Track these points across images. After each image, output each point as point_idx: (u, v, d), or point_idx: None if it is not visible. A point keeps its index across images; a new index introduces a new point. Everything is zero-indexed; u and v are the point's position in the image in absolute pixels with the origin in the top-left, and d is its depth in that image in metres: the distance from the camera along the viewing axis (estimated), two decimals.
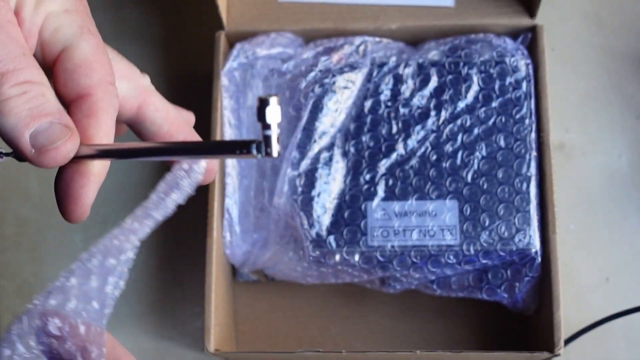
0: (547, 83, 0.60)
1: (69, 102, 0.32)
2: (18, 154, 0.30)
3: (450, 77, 0.61)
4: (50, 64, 0.32)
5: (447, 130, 0.60)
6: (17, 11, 0.31)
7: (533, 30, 0.62)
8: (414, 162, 0.60)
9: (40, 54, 0.32)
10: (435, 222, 0.59)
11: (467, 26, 0.62)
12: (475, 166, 0.59)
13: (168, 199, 0.31)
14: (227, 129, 0.61)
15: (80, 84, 0.32)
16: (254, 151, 0.27)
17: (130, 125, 0.38)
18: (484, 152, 0.59)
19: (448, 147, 0.60)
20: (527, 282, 0.58)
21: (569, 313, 0.63)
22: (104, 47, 0.33)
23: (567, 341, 0.60)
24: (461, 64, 0.61)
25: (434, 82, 0.61)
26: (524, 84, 0.60)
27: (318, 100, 0.60)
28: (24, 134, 0.29)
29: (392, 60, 0.62)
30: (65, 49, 0.32)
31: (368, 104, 0.61)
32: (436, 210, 0.59)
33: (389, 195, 0.59)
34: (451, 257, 0.58)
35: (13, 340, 0.29)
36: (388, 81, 0.61)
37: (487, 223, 0.58)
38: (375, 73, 0.62)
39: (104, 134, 0.32)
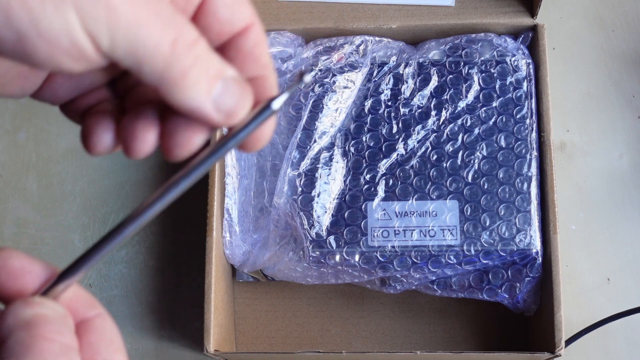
0: (548, 83, 0.60)
1: (229, 38, 0.30)
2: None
3: (450, 76, 0.61)
4: (195, 6, 0.29)
5: (447, 130, 0.60)
6: None
7: (534, 29, 0.62)
8: (414, 162, 0.60)
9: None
10: (436, 222, 0.59)
11: (467, 25, 0.62)
12: (476, 166, 0.59)
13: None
14: (227, 129, 0.61)
15: (244, 16, 0.30)
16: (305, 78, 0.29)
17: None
18: (484, 152, 0.59)
19: (448, 147, 0.60)
20: (527, 283, 0.58)
21: (570, 313, 0.63)
22: None
23: (568, 342, 0.60)
24: (462, 63, 0.61)
25: (434, 81, 0.61)
26: (525, 84, 0.60)
27: (318, 100, 0.60)
28: (206, 101, 0.27)
29: (393, 60, 0.62)
30: None
31: (368, 103, 0.61)
32: (436, 211, 0.59)
33: (389, 195, 0.59)
34: (452, 257, 0.58)
35: None
36: (388, 81, 0.61)
37: (487, 223, 0.58)
38: (375, 72, 0.61)
39: (269, 56, 0.30)
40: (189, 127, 0.29)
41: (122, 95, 0.32)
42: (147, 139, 0.29)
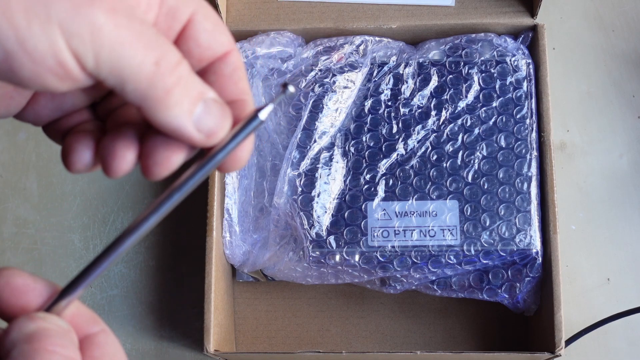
0: (548, 83, 0.60)
1: (209, 63, 0.31)
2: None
3: (450, 76, 0.61)
4: (177, 32, 0.30)
5: (447, 130, 0.60)
6: None
7: (534, 29, 0.62)
8: (414, 162, 0.60)
9: (164, 23, 0.30)
10: (436, 222, 0.59)
11: (467, 25, 0.62)
12: (476, 166, 0.59)
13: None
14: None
15: (223, 42, 0.31)
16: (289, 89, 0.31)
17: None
18: (484, 152, 0.59)
19: (448, 147, 0.60)
20: (527, 283, 0.58)
21: (570, 313, 0.63)
22: None
23: (568, 342, 0.60)
24: (462, 63, 0.61)
25: (434, 81, 0.61)
26: (525, 84, 0.60)
27: (318, 100, 0.60)
28: (189, 123, 0.28)
29: (393, 60, 0.62)
30: (195, 10, 0.30)
31: (368, 103, 0.61)
32: (437, 211, 0.59)
33: (389, 195, 0.59)
34: (452, 257, 0.58)
35: None
36: (388, 81, 0.61)
37: (487, 223, 0.58)
38: (375, 72, 0.61)
39: (247, 81, 0.31)
40: (169, 146, 0.29)
41: (102, 117, 0.33)
42: (126, 157, 0.29)
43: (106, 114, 0.32)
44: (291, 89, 0.31)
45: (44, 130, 0.33)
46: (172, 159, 0.29)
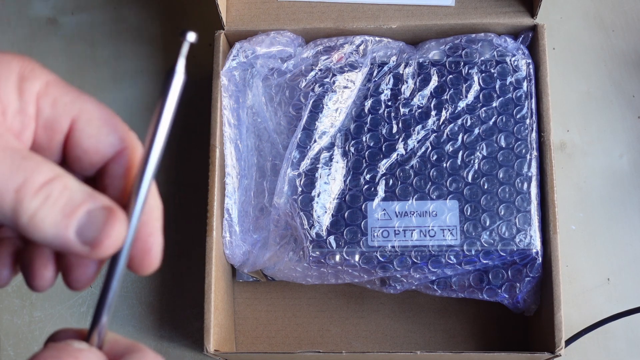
0: (548, 83, 0.60)
1: (102, 166, 0.30)
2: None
3: (450, 76, 0.61)
4: (60, 142, 0.30)
5: (447, 130, 0.60)
6: (3, 110, 0.28)
7: (534, 29, 0.62)
8: (414, 162, 0.60)
9: (44, 136, 0.29)
10: (436, 222, 0.59)
11: (467, 25, 0.62)
12: (476, 166, 0.59)
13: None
14: (227, 129, 0.61)
15: (112, 143, 0.30)
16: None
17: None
18: (484, 152, 0.59)
19: (448, 147, 0.60)
20: (527, 283, 0.58)
21: (570, 313, 0.63)
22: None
23: (568, 342, 0.60)
24: (462, 63, 0.61)
25: (434, 81, 0.61)
26: (525, 84, 0.60)
27: (318, 100, 0.60)
28: (69, 236, 0.27)
29: (393, 60, 0.62)
30: (75, 118, 0.29)
31: (368, 103, 0.61)
32: (437, 211, 0.59)
33: (390, 195, 0.59)
34: (452, 257, 0.58)
35: None
36: (388, 81, 0.61)
37: (487, 223, 0.58)
38: (375, 72, 0.61)
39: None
40: (81, 261, 0.30)
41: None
42: (44, 276, 0.30)
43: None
44: (191, 36, 0.30)
45: None
46: (87, 273, 0.30)
